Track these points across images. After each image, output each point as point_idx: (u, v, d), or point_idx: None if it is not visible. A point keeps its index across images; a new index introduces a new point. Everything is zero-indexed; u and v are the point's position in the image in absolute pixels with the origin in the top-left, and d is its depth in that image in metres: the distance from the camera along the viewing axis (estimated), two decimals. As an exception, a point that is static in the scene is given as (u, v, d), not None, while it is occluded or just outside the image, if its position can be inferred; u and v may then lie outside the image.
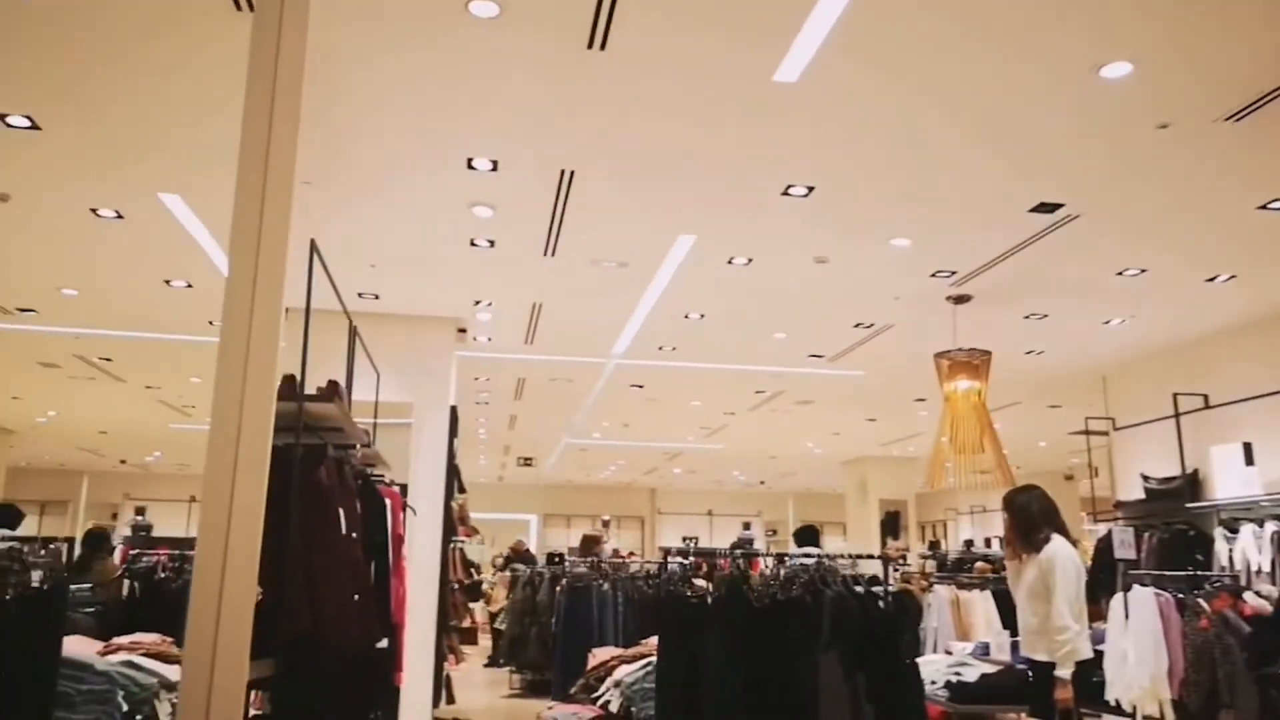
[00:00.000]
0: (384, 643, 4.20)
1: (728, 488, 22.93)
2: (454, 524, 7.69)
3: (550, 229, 5.76)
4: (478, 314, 7.78)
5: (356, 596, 3.51)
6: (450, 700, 7.72)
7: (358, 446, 4.01)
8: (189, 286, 6.89)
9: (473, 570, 7.90)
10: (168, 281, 6.83)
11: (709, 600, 3.34)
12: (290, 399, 3.22)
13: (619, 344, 8.70)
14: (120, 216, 5.57)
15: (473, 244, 6.04)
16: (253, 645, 3.10)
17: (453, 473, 7.76)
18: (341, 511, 3.45)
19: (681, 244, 6.02)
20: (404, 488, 7.10)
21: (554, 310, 7.62)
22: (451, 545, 7.69)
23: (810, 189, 5.15)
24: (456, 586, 7.70)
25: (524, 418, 13.08)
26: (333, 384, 3.71)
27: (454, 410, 7.83)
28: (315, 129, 4.56)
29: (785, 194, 5.19)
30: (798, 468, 18.54)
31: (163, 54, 3.86)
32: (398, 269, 6.61)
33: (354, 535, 3.57)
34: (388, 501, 4.32)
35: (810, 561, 3.61)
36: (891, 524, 16.83)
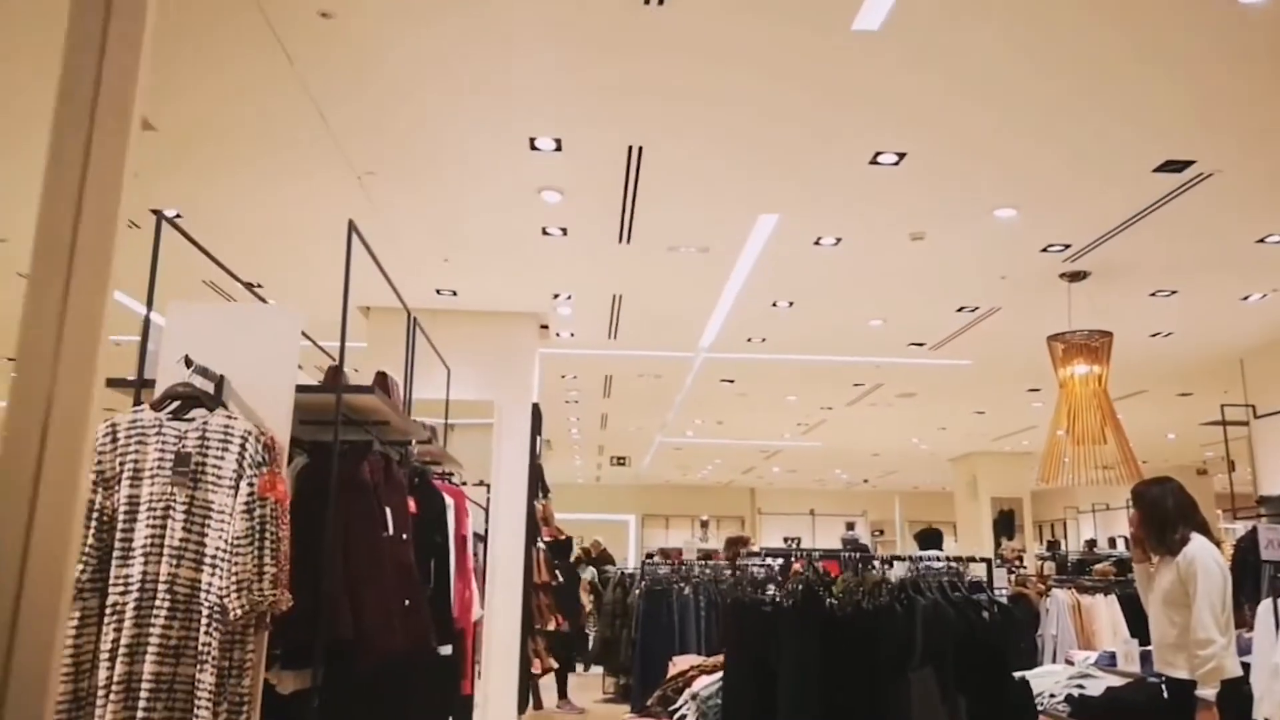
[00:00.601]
0: (447, 649, 3.98)
1: (830, 487, 22.24)
2: (537, 525, 7.48)
3: (623, 213, 5.46)
4: (558, 308, 7.55)
5: (408, 601, 3.29)
6: (537, 706, 7.52)
7: (413, 442, 3.80)
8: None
9: (558, 572, 7.68)
10: None
11: (782, 606, 2.97)
12: (330, 391, 3.01)
13: (705, 336, 8.35)
14: None
15: (544, 233, 5.79)
16: (291, 654, 2.91)
17: (536, 473, 7.55)
18: (389, 511, 3.23)
19: (763, 224, 5.64)
20: (483, 487, 6.94)
21: (635, 302, 7.32)
22: (535, 547, 7.49)
23: (900, 156, 4.70)
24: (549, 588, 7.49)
25: (615, 416, 12.85)
26: (380, 375, 3.49)
27: (536, 408, 7.62)
28: (379, 119, 4.38)
29: (874, 162, 4.75)
30: (902, 465, 17.78)
31: None
32: (471, 262, 6.43)
33: (404, 536, 3.34)
34: (449, 500, 4.10)
35: (940, 565, 3.20)
36: (1005, 524, 15.93)
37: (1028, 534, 15.56)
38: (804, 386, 10.54)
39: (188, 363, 2.59)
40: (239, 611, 2.41)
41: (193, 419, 2.58)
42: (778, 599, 3.04)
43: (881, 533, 23.23)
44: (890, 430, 13.40)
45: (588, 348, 8.84)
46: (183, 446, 2.52)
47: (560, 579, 7.85)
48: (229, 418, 2.57)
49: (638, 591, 6.61)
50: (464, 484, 4.95)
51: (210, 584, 2.47)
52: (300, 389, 3.00)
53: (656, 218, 5.54)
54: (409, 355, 4.52)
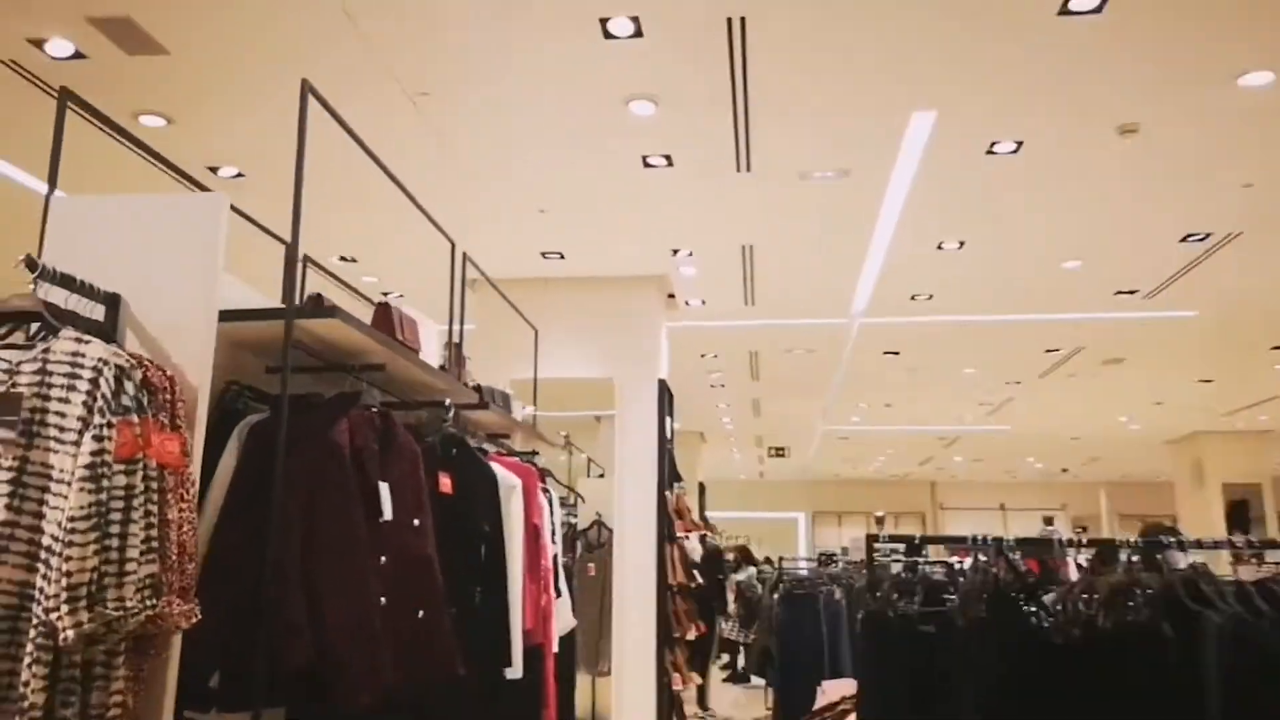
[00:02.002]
0: (514, 672, 3.06)
1: (1022, 477, 20.09)
2: (670, 518, 6.51)
3: (735, 126, 4.41)
4: (680, 268, 6.55)
5: (421, 613, 2.38)
6: (683, 726, 6.55)
7: (447, 404, 2.90)
8: None
9: (697, 573, 6.69)
10: None
11: (952, 622, 1.85)
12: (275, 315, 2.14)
13: (858, 297, 7.13)
14: None
15: (646, 164, 4.82)
16: (234, 689, 2.07)
17: (667, 458, 6.59)
18: (385, 488, 2.33)
19: (918, 126, 4.43)
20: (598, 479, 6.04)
21: (769, 254, 6.22)
22: (673, 542, 6.52)
23: (1101, 3, 3.42)
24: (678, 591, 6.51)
25: (768, 402, 11.71)
26: (382, 306, 2.61)
27: (664, 386, 6.66)
28: (425, 28, 3.55)
29: (1064, 11, 3.49)
30: (1108, 450, 15.59)
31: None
32: (569, 211, 5.53)
33: (416, 523, 2.44)
34: (510, 480, 3.18)
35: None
36: (1239, 515, 13.58)
37: (1270, 526, 13.17)
38: (984, 356, 9.05)
39: (30, 265, 1.78)
40: (70, 634, 1.56)
41: (32, 347, 1.76)
42: (947, 612, 1.91)
43: (1085, 529, 20.80)
44: (1093, 407, 11.54)
45: (723, 318, 7.80)
46: (11, 385, 1.70)
47: (700, 580, 6.84)
48: (79, 341, 1.73)
49: (775, 596, 5.52)
50: (541, 467, 4.03)
51: (43, 589, 1.64)
52: (240, 314, 2.16)
53: (778, 131, 4.45)
54: (453, 308, 3.65)
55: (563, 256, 6.30)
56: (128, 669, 1.71)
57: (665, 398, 6.66)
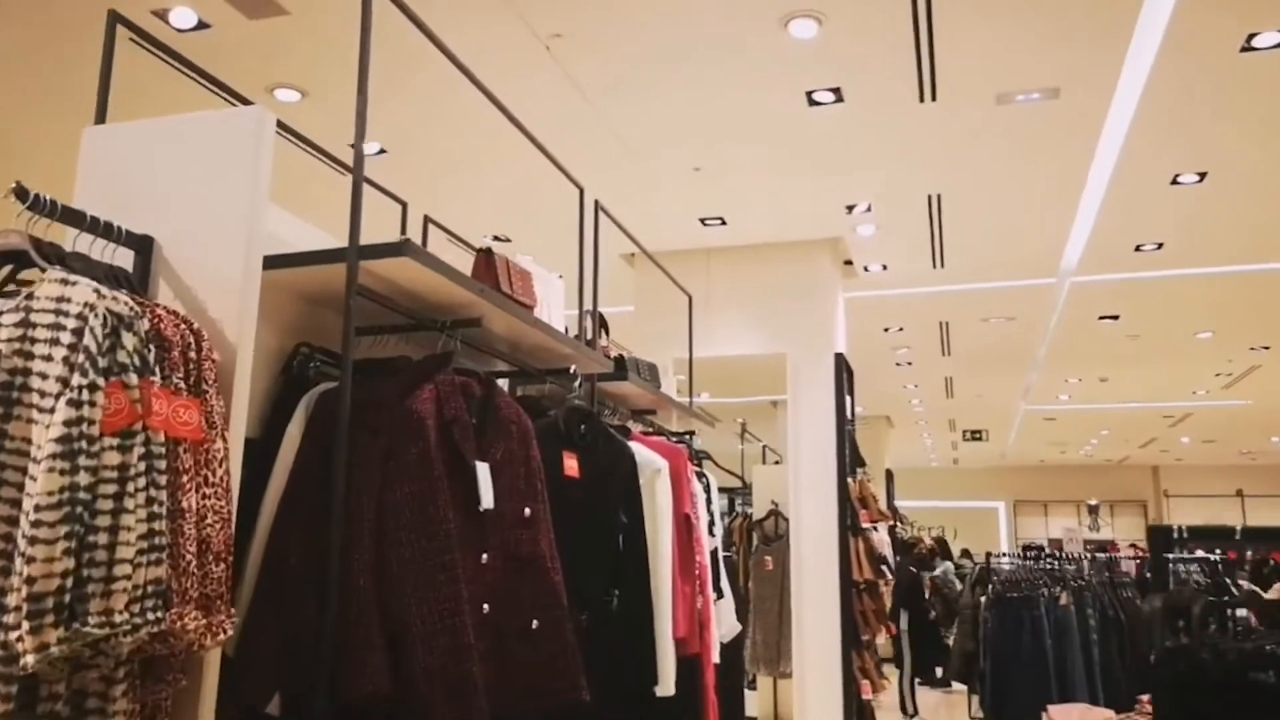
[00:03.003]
0: (665, 689, 2.58)
1: (1263, 460, 17.69)
2: (853, 508, 5.84)
3: (916, 43, 3.72)
4: (857, 228, 5.86)
5: (535, 623, 1.93)
6: (875, 737, 5.87)
7: (572, 372, 2.44)
8: None
9: (885, 568, 5.98)
10: None
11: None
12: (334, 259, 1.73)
13: (1070, 251, 6.18)
14: None
15: (811, 101, 4.20)
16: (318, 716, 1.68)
17: (848, 440, 5.92)
18: (484, 470, 1.89)
19: (1150, 20, 3.58)
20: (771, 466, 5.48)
21: (960, 203, 5.43)
22: (857, 535, 5.85)
23: None
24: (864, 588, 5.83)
25: (962, 379, 10.68)
26: (484, 253, 2.17)
27: (841, 361, 5.99)
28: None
29: None
30: (1376, 426, 13.38)
31: None
32: (727, 167, 4.98)
33: (527, 512, 1.99)
34: (654, 462, 2.69)
35: None
36: None
37: None
38: (1224, 317, 7.75)
39: (20, 195, 1.44)
40: (31, 659, 1.19)
41: (16, 294, 1.42)
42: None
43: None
44: (1360, 375, 9.82)
45: (907, 284, 7.00)
46: (-10, 342, 1.37)
47: (890, 576, 6.13)
48: (64, 284, 1.36)
49: (983, 600, 4.73)
50: (695, 449, 3.52)
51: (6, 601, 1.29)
52: (293, 259, 1.77)
53: (969, 43, 3.73)
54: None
55: (724, 222, 5.76)
56: (130, 700, 1.33)
57: (844, 374, 5.99)
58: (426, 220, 3.10)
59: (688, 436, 3.51)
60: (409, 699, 1.61)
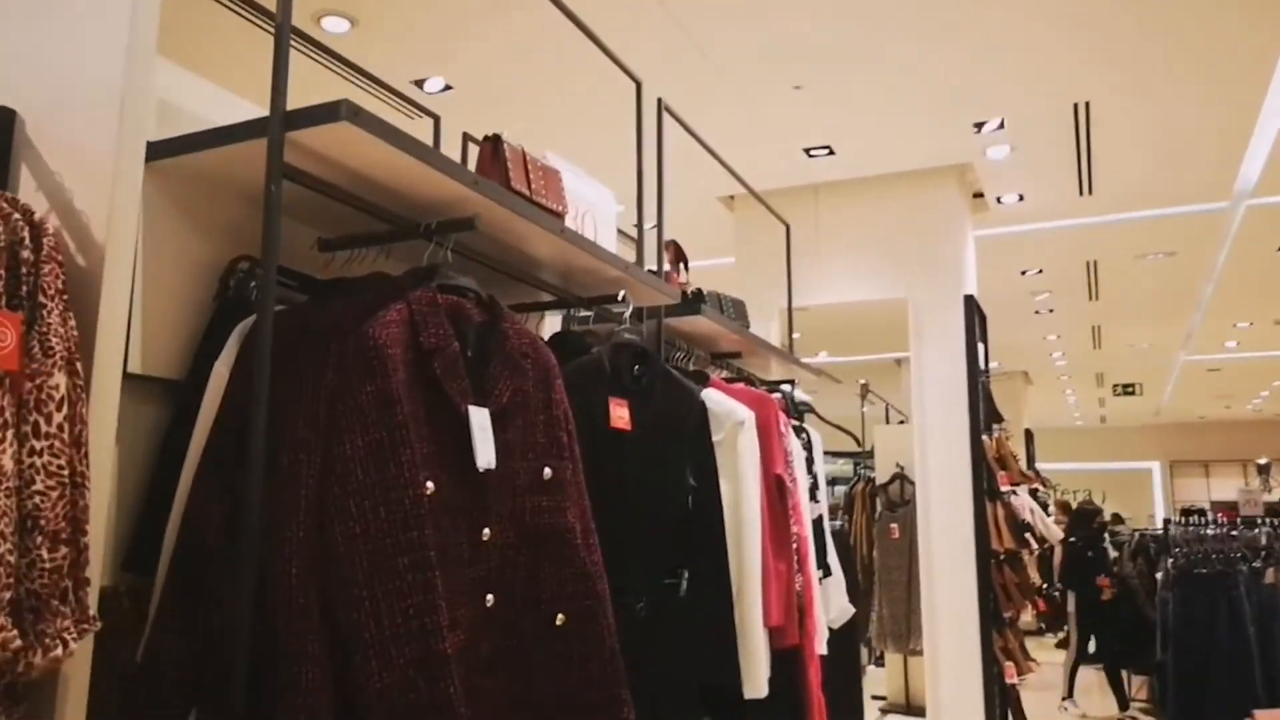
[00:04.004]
0: (758, 689, 2.09)
1: None
2: (990, 469, 5.15)
3: (1058, -104, 3.01)
4: (988, 151, 5.11)
5: (561, 618, 1.46)
6: (1021, 726, 5.20)
7: (620, 298, 1.94)
8: None
9: (1029, 536, 5.27)
10: None
11: None
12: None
13: (1246, 167, 5.24)
14: None
15: (927, -12, 3.53)
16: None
17: (981, 393, 5.22)
18: (480, 418, 1.42)
19: None
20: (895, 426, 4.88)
21: (1112, 112, 4.61)
22: (995, 500, 5.16)
23: None
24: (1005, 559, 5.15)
25: (1111, 328, 9.62)
26: (491, 141, 1.69)
27: (972, 304, 5.27)
28: None
29: None
30: None
31: None
32: (832, 81, 4.34)
33: (547, 472, 1.51)
34: (733, 414, 2.17)
35: None
36: None
37: None
38: None
39: None
40: None
41: None
42: None
43: None
44: None
45: (1049, 217, 6.16)
46: None
47: (1035, 545, 5.41)
48: None
49: (1160, 575, 3.97)
50: (794, 400, 2.96)
51: None
52: (210, 137, 1.33)
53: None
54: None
55: (832, 151, 5.12)
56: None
57: (975, 318, 5.28)
58: (466, 138, 2.65)
59: (786, 386, 2.97)
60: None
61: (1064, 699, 6.77)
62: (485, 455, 1.41)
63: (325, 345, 1.29)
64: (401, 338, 1.33)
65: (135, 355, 1.32)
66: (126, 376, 1.30)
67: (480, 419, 1.42)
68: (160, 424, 1.37)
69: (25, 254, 1.03)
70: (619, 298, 1.93)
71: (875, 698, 6.38)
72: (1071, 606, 6.87)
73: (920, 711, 5.54)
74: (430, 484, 1.32)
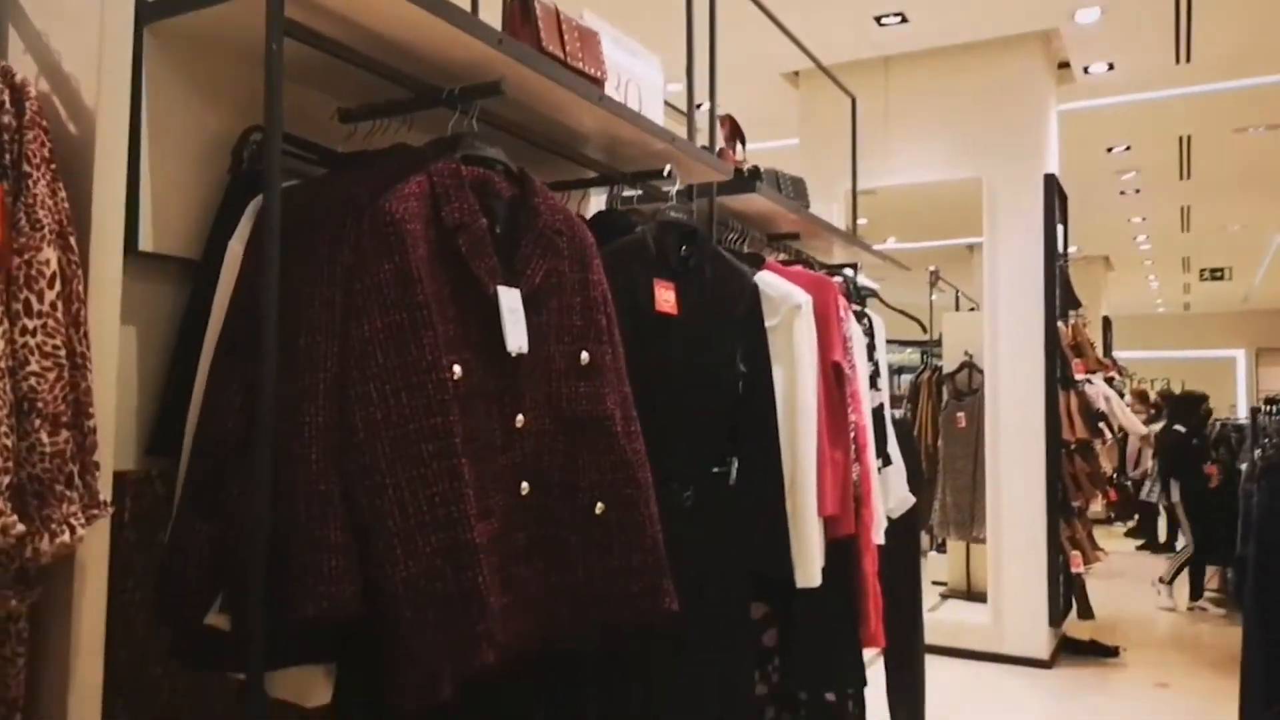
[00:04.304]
0: (808, 580, 2.03)
1: None
2: (1065, 357, 4.95)
3: None
4: (1076, 14, 4.70)
5: (600, 506, 1.40)
6: (1085, 614, 5.15)
7: (666, 172, 1.82)
8: None
9: (1104, 426, 5.09)
10: None
11: None
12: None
13: (1372, 23, 4.74)
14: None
15: None
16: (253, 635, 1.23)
17: (1059, 276, 4.98)
18: (511, 299, 1.34)
19: None
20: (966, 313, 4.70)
21: (1221, -34, 4.18)
22: (1068, 388, 4.98)
23: None
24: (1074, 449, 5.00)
25: (1202, 208, 9.06)
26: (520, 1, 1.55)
27: (1052, 184, 4.97)
28: None
29: None
30: None
31: None
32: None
33: (585, 358, 1.43)
34: (789, 298, 2.05)
35: None
36: None
37: None
38: None
39: None
40: None
41: None
42: None
43: None
44: None
45: (1140, 88, 5.71)
46: None
47: (1110, 435, 5.23)
48: None
49: (1244, 466, 3.78)
50: (852, 283, 2.81)
51: None
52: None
53: None
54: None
55: (905, 19, 4.77)
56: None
57: (1054, 198, 4.98)
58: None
59: (848, 271, 2.82)
60: (384, 621, 1.13)
61: (1193, 601, 6.44)
62: (516, 338, 1.33)
63: (341, 221, 1.21)
64: (421, 212, 1.24)
65: (146, 232, 1.25)
66: (137, 254, 1.24)
67: (510, 300, 1.33)
68: (178, 305, 1.32)
69: (6, 119, 0.96)
70: (664, 172, 1.80)
71: (936, 583, 6.37)
72: (1176, 496, 6.62)
73: (981, 598, 5.52)
74: (457, 368, 1.25)
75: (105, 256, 1.10)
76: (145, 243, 1.26)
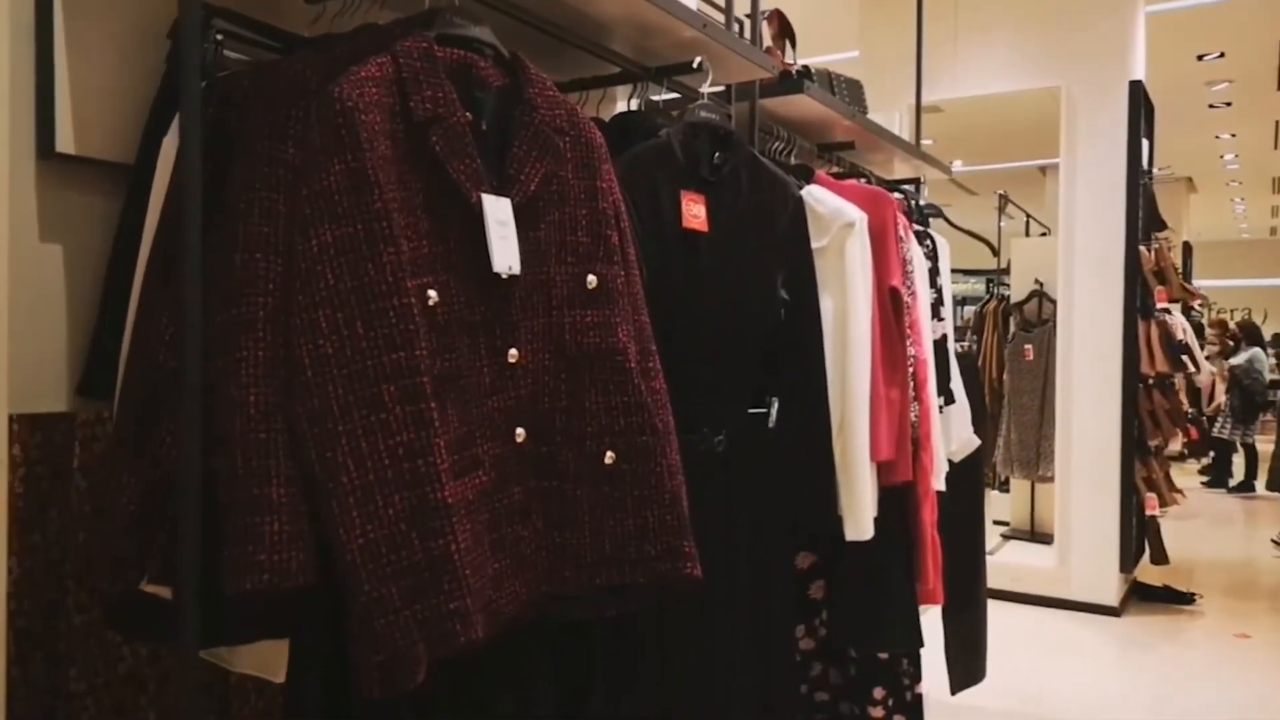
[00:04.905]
0: (860, 533, 1.82)
1: None
2: (1146, 284, 4.58)
3: None
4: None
5: (610, 457, 1.19)
6: (1159, 559, 4.86)
7: (696, 64, 1.56)
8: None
9: (1186, 359, 4.73)
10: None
11: None
12: None
13: None
14: None
15: None
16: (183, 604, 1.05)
17: (1142, 195, 4.58)
18: (498, 209, 1.12)
19: None
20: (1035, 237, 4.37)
21: None
22: (1149, 318, 4.62)
23: None
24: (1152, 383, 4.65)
25: (1300, 124, 8.40)
26: None
27: (1138, 90, 4.53)
28: None
29: None
30: None
31: None
32: None
33: (592, 281, 1.20)
34: (840, 215, 1.80)
35: None
36: None
37: None
38: None
39: None
40: None
41: None
42: None
43: None
44: None
45: (1243, -15, 5.19)
46: None
47: (1195, 368, 4.87)
48: None
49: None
50: (914, 200, 2.53)
51: None
52: None
53: None
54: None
55: (978, -89, 4.32)
56: None
57: (1141, 108, 4.55)
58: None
59: (908, 186, 2.54)
60: (341, 594, 0.95)
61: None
62: (504, 257, 1.11)
63: (285, 112, 0.99)
64: (382, 100, 1.01)
65: (64, 129, 1.05)
66: (53, 157, 1.05)
67: (498, 211, 1.11)
68: (111, 218, 1.12)
69: None
70: (694, 64, 1.55)
71: (997, 523, 6.12)
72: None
73: (1045, 539, 5.27)
74: (433, 293, 1.04)
75: (8, 158, 0.90)
76: (64, 143, 1.06)
